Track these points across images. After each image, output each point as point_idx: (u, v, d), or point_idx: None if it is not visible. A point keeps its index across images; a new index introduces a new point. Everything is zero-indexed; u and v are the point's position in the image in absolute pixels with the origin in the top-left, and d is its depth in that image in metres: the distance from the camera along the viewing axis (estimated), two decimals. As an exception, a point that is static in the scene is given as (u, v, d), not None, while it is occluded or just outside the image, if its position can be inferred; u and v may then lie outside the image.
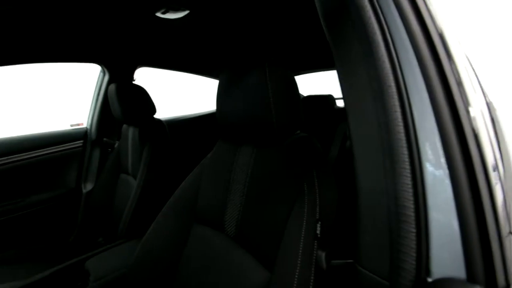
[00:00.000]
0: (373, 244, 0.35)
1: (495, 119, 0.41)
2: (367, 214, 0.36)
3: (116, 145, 1.52)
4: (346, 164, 1.67)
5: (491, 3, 0.53)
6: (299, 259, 0.52)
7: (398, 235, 0.31)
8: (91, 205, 1.48)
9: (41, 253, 1.20)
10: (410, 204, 0.32)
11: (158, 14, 1.04)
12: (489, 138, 0.36)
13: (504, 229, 0.33)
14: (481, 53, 0.47)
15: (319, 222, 0.54)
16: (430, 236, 0.31)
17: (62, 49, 1.30)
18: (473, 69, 0.42)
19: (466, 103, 0.34)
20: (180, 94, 3.41)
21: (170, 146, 1.35)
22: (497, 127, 0.41)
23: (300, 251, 0.52)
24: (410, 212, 0.31)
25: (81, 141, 1.63)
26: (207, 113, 2.41)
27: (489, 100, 0.42)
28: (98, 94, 1.64)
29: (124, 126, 1.45)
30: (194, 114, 2.35)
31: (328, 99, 2.07)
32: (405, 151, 0.32)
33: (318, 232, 0.53)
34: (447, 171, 0.31)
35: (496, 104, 0.44)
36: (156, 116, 1.41)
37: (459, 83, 0.35)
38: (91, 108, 1.68)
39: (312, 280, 0.51)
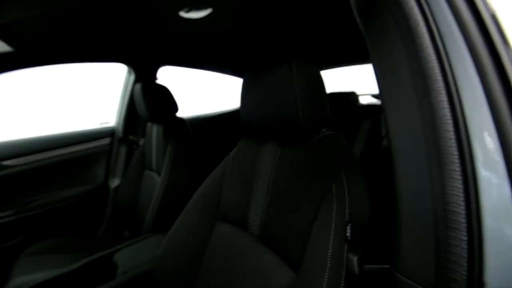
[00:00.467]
0: (415, 250, 0.33)
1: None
2: (408, 218, 0.34)
3: (140, 143, 1.57)
4: (372, 163, 1.61)
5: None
6: (328, 262, 0.50)
7: (447, 243, 0.29)
8: (118, 200, 1.54)
9: (73, 244, 1.27)
10: (461, 209, 0.29)
11: (182, 14, 1.06)
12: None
13: None
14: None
15: (349, 224, 0.52)
16: (484, 245, 0.28)
17: (95, 50, 1.37)
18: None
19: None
20: (198, 92, 3.47)
21: (193, 144, 1.37)
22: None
23: (329, 253, 0.50)
24: (461, 218, 0.29)
25: (109, 138, 1.70)
26: (228, 111, 2.42)
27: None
28: (124, 94, 1.70)
29: (148, 124, 1.49)
30: (215, 112, 2.37)
31: (351, 96, 2.01)
32: (455, 151, 0.29)
33: (348, 234, 0.51)
34: (504, 173, 0.28)
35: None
36: (177, 114, 1.43)
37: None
38: (118, 107, 1.74)
39: (342, 285, 0.49)
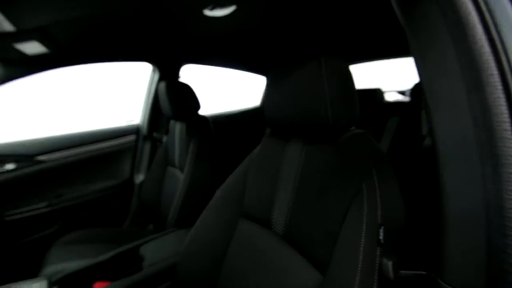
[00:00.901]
0: (464, 258, 0.30)
1: None
2: (456, 224, 0.31)
3: (164, 140, 1.61)
4: (402, 162, 1.54)
5: None
6: (359, 265, 0.48)
7: (505, 252, 0.26)
8: (142, 195, 1.60)
9: (101, 235, 1.33)
10: (521, 216, 0.26)
11: (206, 12, 1.06)
12: None
13: None
14: None
15: (382, 227, 0.50)
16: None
17: (123, 50, 1.42)
18: None
19: None
20: (220, 90, 3.50)
21: (215, 141, 1.39)
22: None
23: (360, 257, 0.48)
24: (521, 226, 0.26)
25: (134, 135, 1.77)
26: (249, 108, 2.42)
27: None
28: (149, 92, 1.75)
29: (171, 121, 1.52)
30: (237, 110, 2.38)
31: (376, 93, 1.93)
32: (514, 152, 0.27)
33: (381, 237, 0.49)
34: None
35: None
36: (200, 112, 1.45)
37: None
38: (143, 105, 1.80)
39: None
